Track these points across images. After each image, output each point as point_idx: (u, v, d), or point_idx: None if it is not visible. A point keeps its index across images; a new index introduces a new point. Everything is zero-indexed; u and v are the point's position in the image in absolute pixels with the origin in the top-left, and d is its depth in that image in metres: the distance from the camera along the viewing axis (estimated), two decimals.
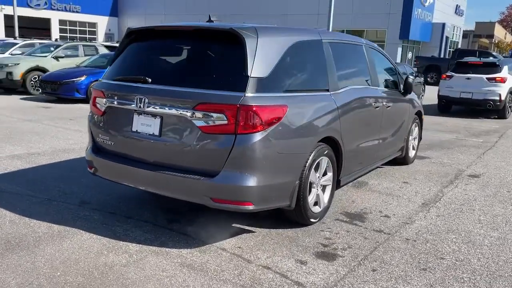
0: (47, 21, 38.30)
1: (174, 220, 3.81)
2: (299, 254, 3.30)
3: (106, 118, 3.68)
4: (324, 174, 3.98)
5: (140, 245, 3.34)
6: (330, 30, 12.31)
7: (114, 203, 4.20)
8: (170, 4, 39.38)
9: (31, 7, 36.92)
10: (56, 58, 14.19)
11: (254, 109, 3.05)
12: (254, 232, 3.68)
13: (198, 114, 3.11)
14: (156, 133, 3.33)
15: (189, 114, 3.14)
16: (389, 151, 5.49)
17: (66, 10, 39.08)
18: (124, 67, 3.72)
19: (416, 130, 6.39)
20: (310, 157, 3.60)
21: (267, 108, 3.14)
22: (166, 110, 3.25)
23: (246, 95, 3.07)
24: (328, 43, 4.10)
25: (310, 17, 31.26)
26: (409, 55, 32.01)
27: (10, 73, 13.12)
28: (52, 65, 13.82)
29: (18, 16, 35.19)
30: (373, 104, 4.72)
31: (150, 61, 3.65)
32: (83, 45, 15.52)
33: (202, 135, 3.14)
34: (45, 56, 14.22)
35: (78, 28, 40.01)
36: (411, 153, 6.32)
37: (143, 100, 3.33)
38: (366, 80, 4.80)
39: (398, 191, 4.98)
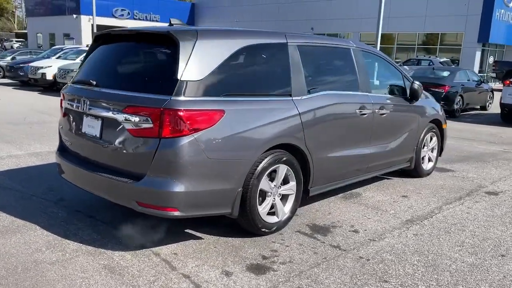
0: None
1: (130, 222, 3.84)
2: (231, 265, 3.16)
3: (66, 120, 3.83)
4: (287, 182, 3.80)
5: (81, 244, 3.41)
6: (379, 34, 11.72)
7: (88, 201, 4.33)
8: (241, 11, 40.18)
9: (115, 17, 39.72)
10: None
11: (179, 113, 2.99)
12: (202, 239, 3.60)
13: (127, 117, 3.12)
14: (98, 134, 3.40)
15: (119, 117, 3.16)
16: (390, 161, 5.10)
17: (146, 20, 41.50)
18: (83, 70, 3.85)
19: (433, 140, 5.86)
20: (260, 165, 3.45)
21: (195, 112, 3.06)
22: (104, 113, 3.30)
23: (172, 98, 3.02)
24: (296, 46, 3.90)
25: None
26: (490, 59, 29.57)
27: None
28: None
29: (104, 25, 38.00)
30: (359, 110, 4.40)
31: (102, 64, 3.73)
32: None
33: (131, 138, 3.14)
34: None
35: None
36: (427, 165, 5.82)
37: (86, 102, 3.42)
38: (352, 85, 4.51)
39: (388, 205, 4.60)
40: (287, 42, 3.84)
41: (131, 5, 41.05)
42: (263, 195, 3.63)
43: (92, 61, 3.84)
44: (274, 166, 3.61)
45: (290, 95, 3.76)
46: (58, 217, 3.95)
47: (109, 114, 3.25)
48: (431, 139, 5.84)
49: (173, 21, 3.80)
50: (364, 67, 4.63)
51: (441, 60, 24.50)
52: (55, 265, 3.07)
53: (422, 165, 5.72)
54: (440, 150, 6.11)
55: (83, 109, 3.46)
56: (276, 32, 3.96)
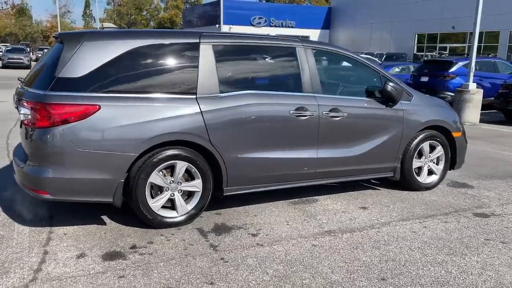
0: None
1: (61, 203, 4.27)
2: (94, 249, 3.37)
3: None
4: (193, 179, 3.88)
5: None
6: (477, 31, 10.31)
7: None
8: (376, 13, 38.76)
9: (253, 25, 42.04)
10: None
11: (48, 106, 3.35)
12: (105, 225, 3.88)
13: (23, 110, 3.59)
14: (23, 127, 3.92)
15: (21, 109, 3.65)
16: (357, 169, 4.66)
17: (282, 26, 42.99)
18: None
19: (437, 151, 5.13)
20: (150, 159, 3.61)
21: (65, 106, 3.38)
22: (20, 107, 3.80)
23: (45, 93, 3.40)
24: (211, 46, 3.94)
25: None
26: None
27: None
28: None
29: None
30: (296, 112, 4.17)
31: (36, 65, 4.26)
32: None
33: (24, 128, 3.61)
34: None
35: None
36: (425, 178, 5.13)
37: (15, 99, 4.00)
38: (291, 86, 4.31)
39: (328, 215, 4.26)
40: (199, 42, 3.91)
41: (268, 13, 42.97)
42: (160, 189, 3.78)
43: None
44: (170, 162, 3.73)
45: (195, 94, 3.82)
46: (11, 208, 4.39)
47: (20, 108, 3.76)
48: (432, 148, 5.13)
49: (105, 25, 4.23)
50: (313, 67, 4.36)
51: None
52: None
53: (417, 177, 5.07)
54: (453, 163, 5.31)
55: (17, 106, 4.02)
56: (190, 32, 4.05)
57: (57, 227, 3.80)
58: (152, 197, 3.75)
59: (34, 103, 3.43)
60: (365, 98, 4.66)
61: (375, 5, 38.91)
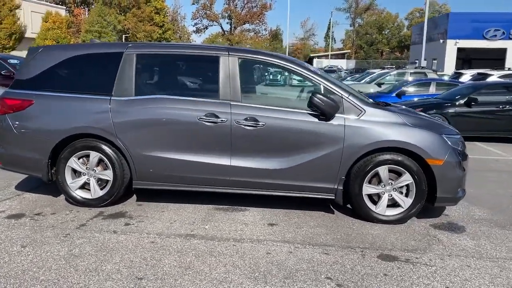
0: (502, 51, 37.50)
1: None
2: (14, 209, 4.45)
3: None
4: (107, 168, 4.54)
5: None
6: None
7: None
8: None
9: (486, 38, 37.31)
10: (379, 84, 15.60)
11: (1, 99, 4.59)
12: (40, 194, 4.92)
13: None
14: None
15: None
16: (282, 184, 4.34)
17: None
18: None
19: (402, 178, 4.26)
20: (68, 147, 4.47)
21: (10, 99, 4.54)
22: None
23: (6, 90, 4.65)
24: (134, 55, 4.49)
25: None
26: None
27: None
28: (372, 90, 15.36)
29: (470, 48, 36.80)
30: (206, 118, 4.29)
31: None
32: (412, 72, 16.02)
33: None
34: (369, 83, 15.97)
35: None
36: (381, 208, 4.33)
37: None
38: (206, 93, 4.43)
39: (220, 221, 4.21)
40: (123, 52, 4.53)
41: (507, 25, 37.37)
42: (79, 174, 4.58)
43: None
44: (84, 151, 4.50)
45: (110, 95, 4.46)
46: None
47: None
48: (399, 175, 4.30)
49: (92, 40, 5.22)
50: (235, 75, 4.38)
51: None
52: None
53: (371, 206, 4.34)
54: (433, 196, 4.29)
55: None
56: (118, 43, 4.69)
57: (26, 193, 5.03)
58: (72, 179, 4.58)
59: None
60: (295, 110, 4.34)
61: None
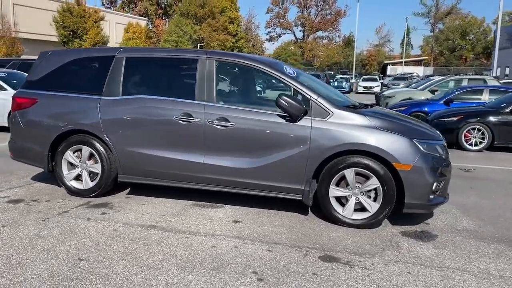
0: None
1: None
2: (15, 194, 5.00)
3: None
4: (97, 162, 4.96)
5: None
6: None
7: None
8: None
9: None
10: (432, 91, 14.88)
11: (13, 97, 5.19)
12: (41, 183, 5.44)
13: None
14: None
15: None
16: (250, 183, 4.44)
17: None
18: None
19: (369, 182, 4.18)
20: (64, 141, 4.95)
21: (20, 98, 5.13)
22: None
23: (18, 89, 5.25)
24: (124, 58, 4.86)
25: None
26: None
27: (386, 104, 15.42)
28: (422, 97, 14.70)
29: None
30: (182, 117, 4.52)
31: None
32: (470, 79, 15.10)
33: None
34: (423, 90, 15.27)
35: None
36: (347, 211, 4.27)
37: None
38: (184, 93, 4.65)
39: (189, 216, 4.40)
40: (114, 55, 4.93)
41: None
42: (73, 166, 5.04)
43: None
44: (78, 146, 4.95)
45: (100, 95, 4.88)
46: None
47: None
48: (367, 178, 4.22)
49: (99, 45, 5.73)
50: (210, 77, 4.58)
51: None
52: None
53: (337, 208, 4.31)
54: (401, 202, 4.16)
55: None
56: (111, 48, 5.07)
57: (34, 181, 5.61)
58: (68, 171, 5.05)
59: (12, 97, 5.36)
60: (265, 111, 4.44)
61: None
